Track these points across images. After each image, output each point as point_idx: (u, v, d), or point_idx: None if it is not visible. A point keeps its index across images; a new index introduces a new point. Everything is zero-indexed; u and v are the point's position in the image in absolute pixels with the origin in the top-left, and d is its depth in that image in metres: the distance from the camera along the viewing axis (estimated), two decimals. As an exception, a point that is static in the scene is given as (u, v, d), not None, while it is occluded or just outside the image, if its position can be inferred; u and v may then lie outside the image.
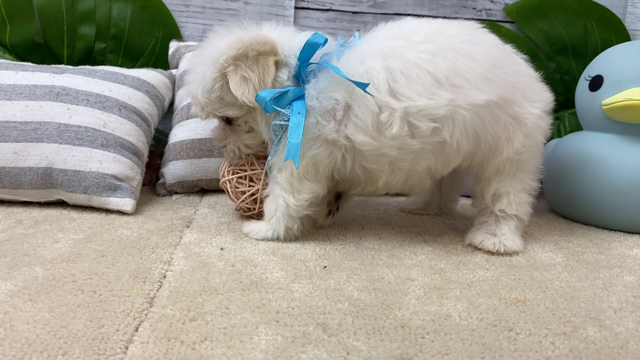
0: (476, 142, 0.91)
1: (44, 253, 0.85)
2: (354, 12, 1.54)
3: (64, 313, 0.65)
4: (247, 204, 1.06)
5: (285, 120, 0.90)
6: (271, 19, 1.50)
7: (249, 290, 0.75)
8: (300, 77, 0.92)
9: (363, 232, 1.05)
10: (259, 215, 1.06)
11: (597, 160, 1.15)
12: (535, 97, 0.94)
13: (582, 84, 1.23)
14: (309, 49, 0.89)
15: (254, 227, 0.99)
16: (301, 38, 0.94)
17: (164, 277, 0.79)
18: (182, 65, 1.38)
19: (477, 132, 0.90)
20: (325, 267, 0.85)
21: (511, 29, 1.58)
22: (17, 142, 1.09)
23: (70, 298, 0.69)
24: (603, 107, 1.14)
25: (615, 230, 1.15)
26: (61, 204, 1.14)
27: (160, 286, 0.75)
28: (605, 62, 1.19)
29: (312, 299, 0.73)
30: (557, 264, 0.92)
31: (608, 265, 0.93)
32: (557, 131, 1.58)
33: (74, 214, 1.09)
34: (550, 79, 1.57)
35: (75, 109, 1.14)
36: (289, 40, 0.94)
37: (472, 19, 1.57)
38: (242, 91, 0.89)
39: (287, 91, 0.89)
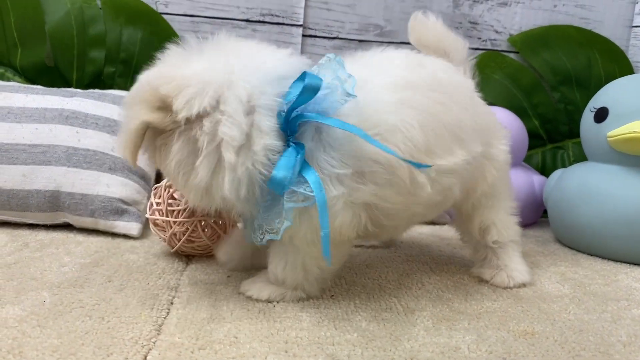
0: (464, 189, 0.91)
1: (51, 277, 0.85)
2: (360, 41, 1.56)
3: (73, 340, 0.65)
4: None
5: (299, 201, 0.71)
6: (279, 47, 1.53)
7: (257, 319, 0.74)
8: (287, 130, 0.72)
9: (369, 260, 1.05)
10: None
11: (602, 191, 1.16)
12: (500, 133, 0.95)
13: (587, 116, 1.24)
14: (308, 94, 0.70)
15: (271, 292, 0.81)
16: (278, 70, 0.74)
17: (172, 303, 0.79)
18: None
19: (465, 180, 0.88)
20: (333, 295, 0.85)
21: (516, 59, 1.60)
22: (26, 164, 1.10)
23: (78, 324, 0.69)
24: (608, 139, 1.15)
25: (621, 262, 1.15)
26: (67, 226, 1.14)
27: (168, 313, 0.75)
28: (610, 94, 1.20)
29: (320, 328, 0.73)
30: (564, 296, 0.92)
31: (615, 297, 0.93)
32: (562, 161, 1.59)
33: (80, 237, 1.09)
34: (554, 109, 1.59)
35: (84, 132, 1.15)
36: (263, 72, 0.73)
37: (477, 48, 1.59)
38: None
39: (292, 159, 0.70)
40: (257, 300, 0.81)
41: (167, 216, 0.96)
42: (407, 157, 0.75)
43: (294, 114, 0.71)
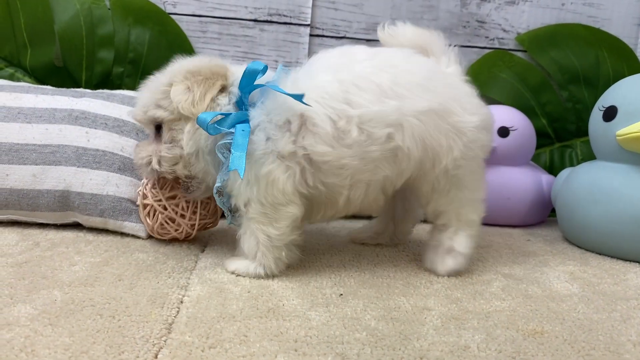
0: (424, 149, 0.92)
1: (62, 276, 0.86)
2: (367, 40, 1.56)
3: (84, 338, 0.66)
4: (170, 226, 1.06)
5: (230, 139, 0.89)
6: (287, 46, 1.54)
7: (267, 318, 0.75)
8: (242, 105, 0.92)
9: (377, 259, 1.05)
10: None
11: (611, 190, 1.15)
12: (473, 109, 0.96)
13: (596, 114, 1.24)
14: (249, 76, 0.91)
15: (238, 265, 0.93)
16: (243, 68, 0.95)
17: (181, 302, 0.79)
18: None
19: (424, 138, 0.92)
20: (342, 294, 0.85)
21: (524, 58, 1.60)
22: (36, 164, 1.11)
23: (89, 323, 0.70)
24: (617, 138, 1.15)
25: (630, 261, 1.14)
26: (77, 226, 1.15)
27: (178, 312, 0.76)
28: (619, 93, 1.20)
29: (329, 327, 0.73)
30: (573, 295, 0.92)
31: (625, 297, 0.92)
32: (570, 160, 1.58)
33: (89, 236, 1.09)
34: (562, 108, 1.58)
35: (94, 132, 1.15)
36: (237, 69, 0.96)
37: (485, 47, 1.59)
38: (179, 98, 0.91)
39: (229, 115, 0.89)
40: (226, 271, 0.94)
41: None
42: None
43: (247, 89, 0.92)
